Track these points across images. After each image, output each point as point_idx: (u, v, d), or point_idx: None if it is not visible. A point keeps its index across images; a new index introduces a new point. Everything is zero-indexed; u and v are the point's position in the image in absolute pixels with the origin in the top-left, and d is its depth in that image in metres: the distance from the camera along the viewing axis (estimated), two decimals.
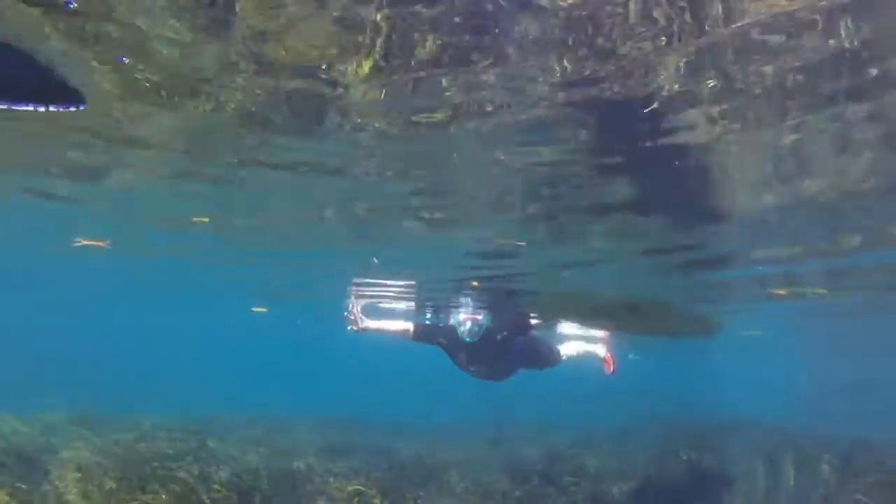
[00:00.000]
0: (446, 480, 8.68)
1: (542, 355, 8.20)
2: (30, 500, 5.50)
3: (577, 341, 8.45)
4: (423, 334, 7.78)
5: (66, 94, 2.38)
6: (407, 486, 8.04)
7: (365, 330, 7.40)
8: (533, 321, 11.60)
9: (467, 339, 7.39)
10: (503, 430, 14.30)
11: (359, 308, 7.54)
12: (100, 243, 10.96)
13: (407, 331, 7.56)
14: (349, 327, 7.39)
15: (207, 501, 6.19)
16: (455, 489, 8.16)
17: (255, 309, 19.27)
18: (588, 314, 10.88)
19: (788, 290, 8.95)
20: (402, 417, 15.93)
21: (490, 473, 9.07)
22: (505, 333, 8.21)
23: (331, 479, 7.91)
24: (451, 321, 7.91)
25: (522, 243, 7.21)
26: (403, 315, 12.71)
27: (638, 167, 4.39)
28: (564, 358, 8.47)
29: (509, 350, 7.88)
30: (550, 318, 11.69)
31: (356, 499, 6.82)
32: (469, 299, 10.62)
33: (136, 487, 6.37)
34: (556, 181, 4.81)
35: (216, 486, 6.48)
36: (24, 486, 6.03)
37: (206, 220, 7.72)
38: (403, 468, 9.14)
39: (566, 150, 4.15)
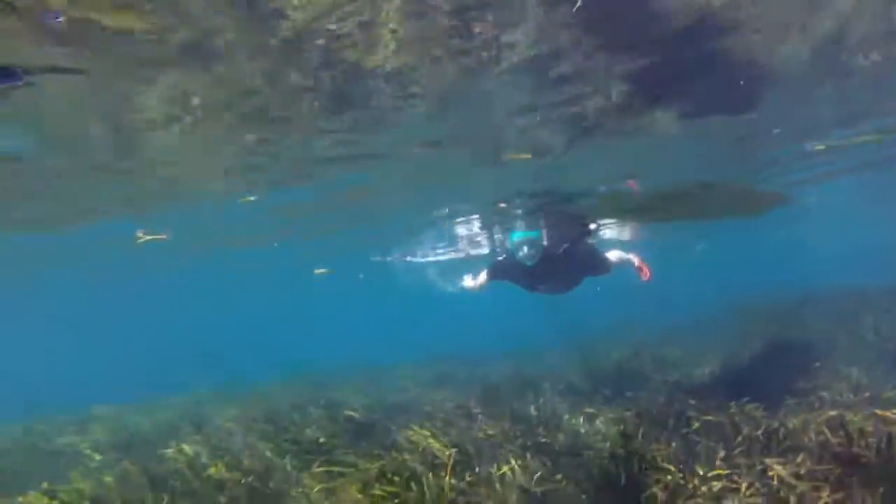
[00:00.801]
0: (540, 388, 9.66)
1: (601, 261, 8.12)
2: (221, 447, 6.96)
3: (614, 250, 8.38)
4: (491, 277, 8.05)
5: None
6: (502, 398, 8.99)
7: (465, 287, 8.08)
8: (590, 226, 11.37)
9: (528, 263, 7.38)
10: (585, 340, 15.06)
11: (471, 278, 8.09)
12: (160, 237, 12.29)
13: (484, 282, 7.97)
14: (462, 285, 8.08)
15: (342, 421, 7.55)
16: (546, 393, 9.04)
17: (317, 271, 20.16)
18: (647, 207, 10.79)
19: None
20: (488, 347, 17.00)
21: (576, 377, 9.88)
22: (565, 245, 8.23)
23: (436, 401, 9.07)
24: (507, 244, 8.20)
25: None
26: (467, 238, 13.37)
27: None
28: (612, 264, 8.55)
29: (571, 261, 7.92)
30: (606, 218, 11.69)
31: (459, 411, 7.83)
32: (522, 217, 10.66)
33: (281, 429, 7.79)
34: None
35: (349, 412, 7.83)
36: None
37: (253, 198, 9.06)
38: (498, 387, 10.22)
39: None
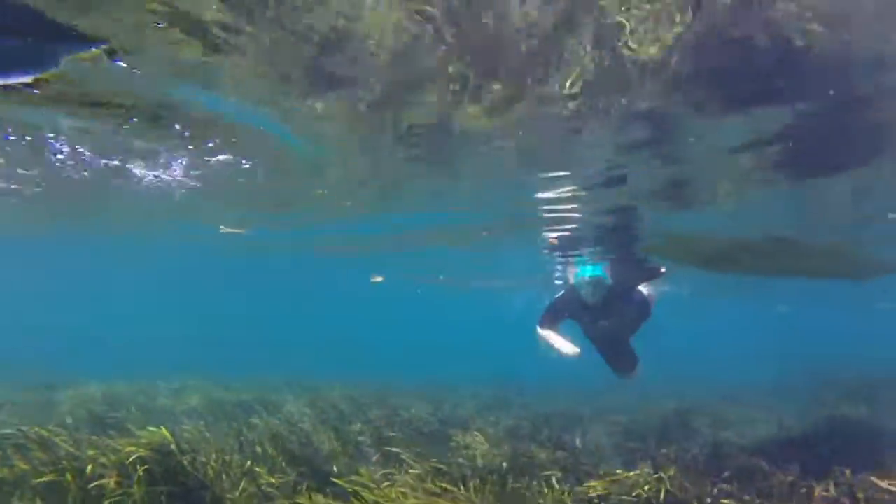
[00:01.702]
0: (592, 427, 9.96)
1: (648, 308, 8.15)
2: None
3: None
4: (553, 320, 7.71)
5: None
6: (558, 430, 9.39)
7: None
8: (660, 269, 11.17)
9: (590, 300, 7.48)
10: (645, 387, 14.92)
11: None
12: (240, 230, 13.76)
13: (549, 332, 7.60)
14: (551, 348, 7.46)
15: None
16: (598, 433, 9.33)
17: (374, 279, 20.75)
18: (723, 257, 10.72)
19: None
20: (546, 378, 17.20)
21: (626, 419, 10.06)
22: (628, 285, 8.37)
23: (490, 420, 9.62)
24: (573, 281, 8.06)
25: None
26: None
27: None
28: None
29: (629, 304, 7.95)
30: (677, 262, 11.59)
31: (511, 431, 8.35)
32: (589, 252, 10.87)
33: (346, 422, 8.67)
34: None
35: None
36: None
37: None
38: (549, 417, 10.63)
39: None
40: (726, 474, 4.98)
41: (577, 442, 7.84)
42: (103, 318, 47.47)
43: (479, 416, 10.92)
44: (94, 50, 4.21)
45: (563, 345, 7.22)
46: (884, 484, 3.89)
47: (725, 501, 4.09)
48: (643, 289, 8.52)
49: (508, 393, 14.45)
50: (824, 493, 4.03)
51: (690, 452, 6.94)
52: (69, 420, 8.30)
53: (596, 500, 4.63)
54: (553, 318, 7.63)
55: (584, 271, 7.67)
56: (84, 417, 8.72)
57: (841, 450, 5.92)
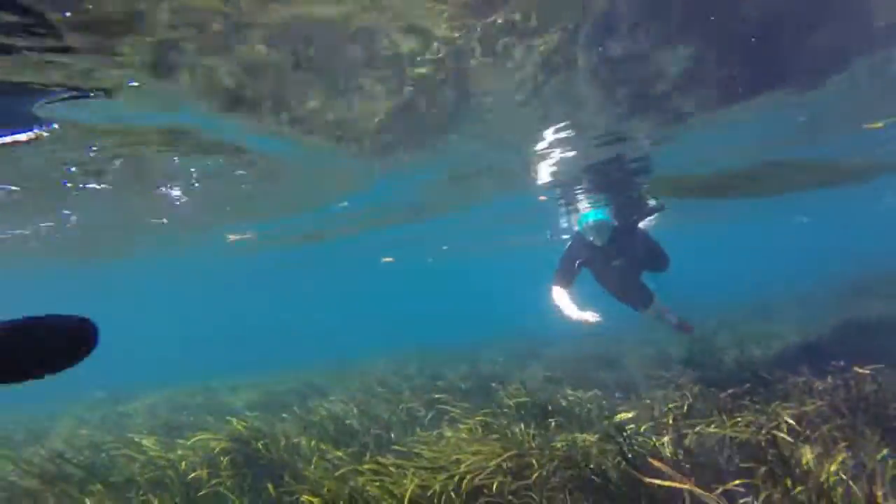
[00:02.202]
0: (621, 363, 10.58)
1: (663, 255, 8.10)
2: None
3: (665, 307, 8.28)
4: (569, 272, 7.64)
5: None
6: (590, 371, 10.02)
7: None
8: (655, 206, 11.38)
9: (598, 244, 7.60)
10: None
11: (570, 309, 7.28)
12: (247, 236, 14.36)
13: (563, 291, 7.47)
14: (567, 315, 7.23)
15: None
16: (629, 368, 9.94)
17: (385, 259, 21.20)
18: (714, 186, 11.00)
19: None
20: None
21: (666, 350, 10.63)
22: (634, 218, 8.59)
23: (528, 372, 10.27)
24: (576, 228, 8.15)
25: None
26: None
27: None
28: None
29: (637, 243, 8.00)
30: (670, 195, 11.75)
31: (549, 384, 8.98)
32: (589, 193, 10.85)
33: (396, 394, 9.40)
34: None
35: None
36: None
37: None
38: (583, 360, 11.27)
39: None
40: (746, 386, 5.52)
41: (610, 379, 8.42)
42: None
43: (517, 368, 11.62)
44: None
45: (572, 309, 7.09)
46: (865, 371, 4.42)
47: (743, 405, 4.63)
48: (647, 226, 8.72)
49: (537, 345, 15.10)
50: (822, 386, 4.60)
51: (714, 371, 7.47)
52: (148, 426, 9.16)
53: (628, 426, 5.21)
54: (565, 271, 7.58)
55: (586, 216, 7.77)
56: (162, 423, 9.58)
57: (851, 350, 6.40)
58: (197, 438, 6.75)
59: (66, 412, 12.42)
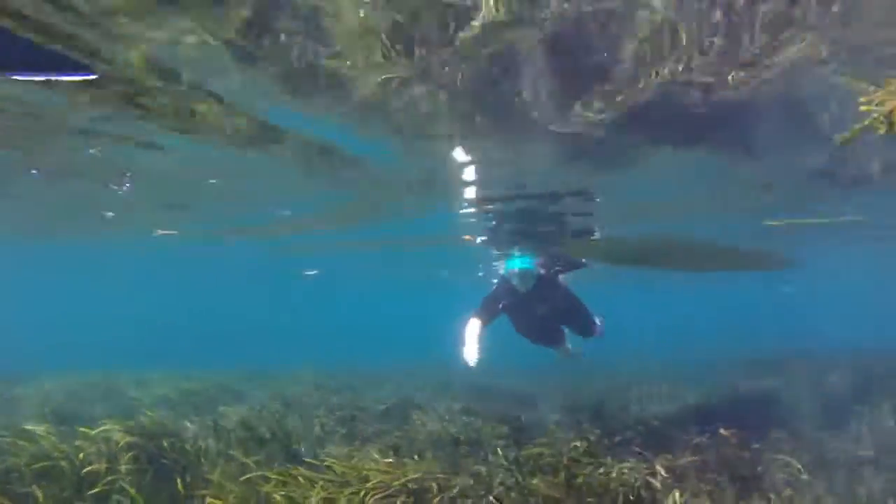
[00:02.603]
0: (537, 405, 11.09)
1: (585, 314, 8.46)
2: None
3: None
4: (489, 311, 7.78)
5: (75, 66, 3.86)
6: (498, 406, 10.42)
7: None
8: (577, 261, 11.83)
9: (522, 290, 7.88)
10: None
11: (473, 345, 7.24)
12: (172, 232, 14.21)
13: (479, 324, 7.46)
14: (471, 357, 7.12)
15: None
16: (542, 410, 10.45)
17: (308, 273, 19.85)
18: (643, 258, 11.98)
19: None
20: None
21: (563, 399, 11.21)
22: (556, 269, 9.07)
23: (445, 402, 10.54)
24: (502, 271, 8.80)
25: None
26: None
27: None
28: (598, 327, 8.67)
29: (559, 298, 8.29)
30: (600, 262, 12.70)
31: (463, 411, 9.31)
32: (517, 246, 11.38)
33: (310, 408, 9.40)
34: None
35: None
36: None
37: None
38: (495, 396, 11.71)
39: None
40: (636, 436, 6.08)
41: (522, 418, 8.84)
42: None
43: (434, 396, 11.87)
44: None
45: (472, 346, 7.10)
46: (728, 433, 5.10)
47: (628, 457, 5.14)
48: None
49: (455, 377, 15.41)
50: (697, 441, 5.25)
51: (615, 421, 8.06)
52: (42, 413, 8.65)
53: (532, 460, 5.60)
54: (487, 309, 7.75)
55: (512, 263, 8.21)
56: (56, 411, 9.06)
57: (733, 414, 7.17)
58: (101, 430, 6.53)
59: None
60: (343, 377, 14.16)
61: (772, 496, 4.45)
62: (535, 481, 4.97)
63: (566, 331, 8.77)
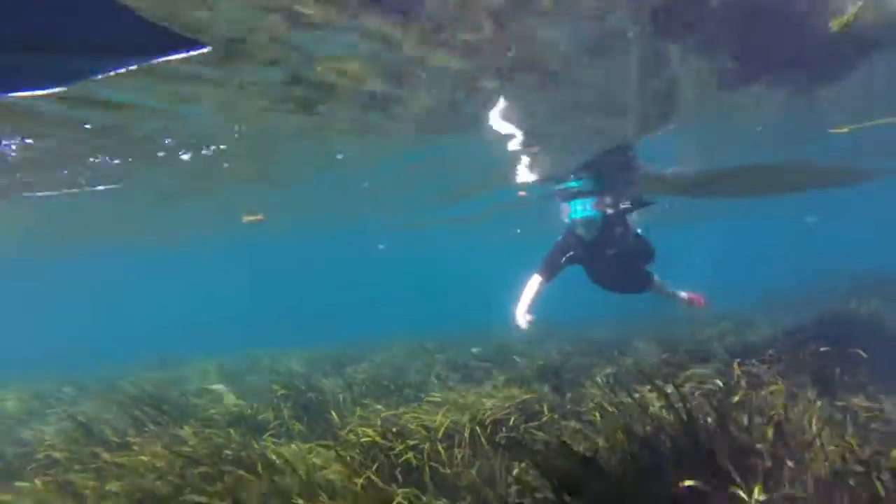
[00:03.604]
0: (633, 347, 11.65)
1: (648, 248, 8.03)
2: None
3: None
4: (554, 264, 7.51)
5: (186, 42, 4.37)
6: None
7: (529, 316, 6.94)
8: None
9: (587, 238, 7.60)
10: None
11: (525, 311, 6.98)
12: (260, 217, 15.42)
13: (540, 281, 7.25)
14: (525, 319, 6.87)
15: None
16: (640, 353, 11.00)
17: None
18: (708, 185, 11.71)
19: None
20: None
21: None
22: (623, 208, 8.62)
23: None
24: (566, 220, 8.15)
25: None
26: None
27: None
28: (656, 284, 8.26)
29: (625, 240, 7.93)
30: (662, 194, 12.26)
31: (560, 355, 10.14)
32: (582, 182, 10.74)
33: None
34: None
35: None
36: None
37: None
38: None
39: None
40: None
41: (615, 352, 9.53)
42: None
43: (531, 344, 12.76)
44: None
45: (524, 305, 6.86)
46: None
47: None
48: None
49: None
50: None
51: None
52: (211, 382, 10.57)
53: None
54: (551, 262, 7.48)
55: (575, 213, 7.80)
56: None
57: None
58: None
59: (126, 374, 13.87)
60: (439, 339, 15.24)
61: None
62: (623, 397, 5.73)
63: (657, 277, 8.26)
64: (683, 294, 8.14)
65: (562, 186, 11.10)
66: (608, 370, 7.50)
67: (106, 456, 5.83)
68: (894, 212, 27.59)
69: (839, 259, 25.34)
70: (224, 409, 7.73)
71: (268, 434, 6.84)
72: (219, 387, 8.51)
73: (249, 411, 7.80)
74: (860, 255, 27.49)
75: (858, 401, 5.04)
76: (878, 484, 3.11)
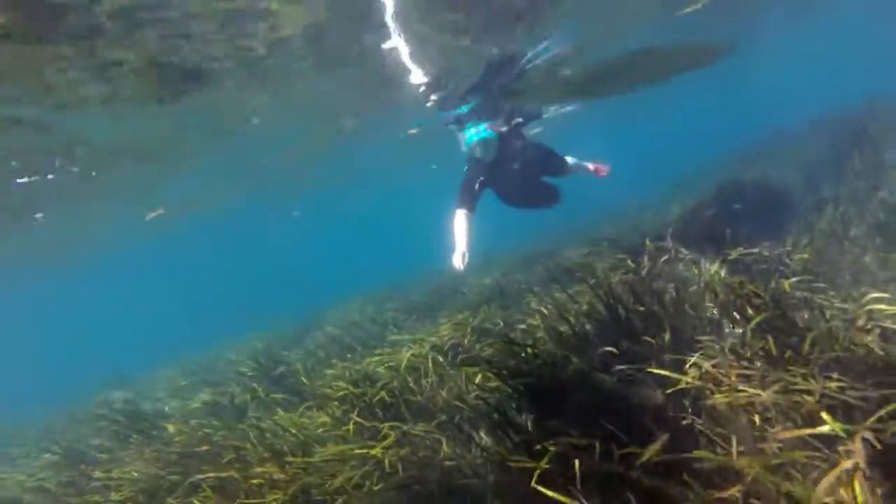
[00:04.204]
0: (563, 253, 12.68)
1: (557, 159, 8.07)
2: None
3: (567, 157, 8.26)
4: (469, 194, 7.23)
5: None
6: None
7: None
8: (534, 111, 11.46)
9: (488, 159, 7.50)
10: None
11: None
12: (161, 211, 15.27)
13: (465, 214, 6.96)
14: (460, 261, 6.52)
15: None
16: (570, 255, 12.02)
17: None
18: (589, 84, 12.14)
19: None
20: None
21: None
22: (516, 123, 8.67)
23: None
24: (464, 148, 7.93)
25: None
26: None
27: None
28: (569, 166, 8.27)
29: (528, 152, 7.85)
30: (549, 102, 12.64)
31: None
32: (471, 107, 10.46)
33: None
34: None
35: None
36: None
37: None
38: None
39: None
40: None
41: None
42: None
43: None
44: None
45: (460, 245, 6.61)
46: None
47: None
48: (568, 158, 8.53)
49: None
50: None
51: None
52: None
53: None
54: (467, 191, 7.24)
55: (469, 138, 7.67)
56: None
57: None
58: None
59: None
60: (387, 290, 15.70)
61: None
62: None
63: (563, 159, 8.22)
64: (590, 165, 8.27)
65: (454, 113, 10.73)
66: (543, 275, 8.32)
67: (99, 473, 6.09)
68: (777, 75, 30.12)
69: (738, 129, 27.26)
70: (200, 400, 8.02)
71: (250, 414, 7.27)
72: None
73: (223, 399, 8.13)
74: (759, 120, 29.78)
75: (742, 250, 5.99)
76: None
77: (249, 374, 8.61)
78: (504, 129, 8.45)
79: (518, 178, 7.70)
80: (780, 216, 8.23)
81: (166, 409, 9.08)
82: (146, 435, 7.48)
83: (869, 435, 2.43)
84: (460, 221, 6.87)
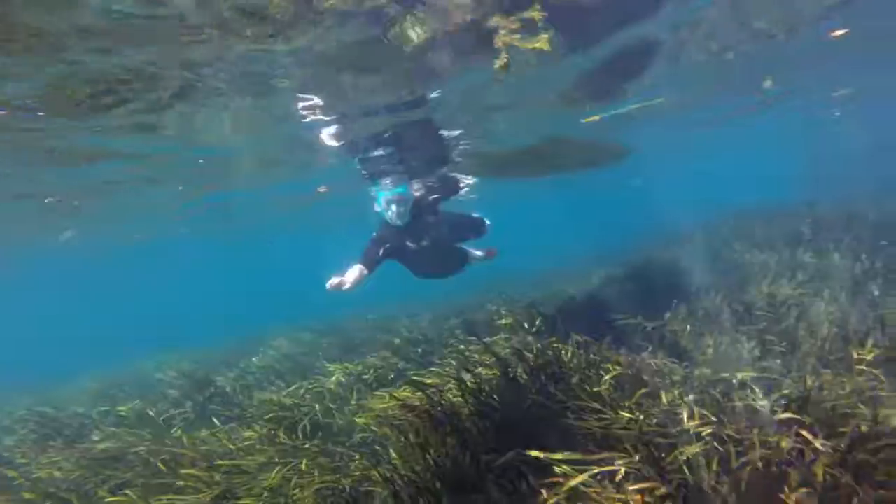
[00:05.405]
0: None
1: (472, 221, 8.23)
2: None
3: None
4: (372, 256, 6.83)
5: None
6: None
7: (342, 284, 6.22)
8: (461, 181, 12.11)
9: (399, 223, 7.23)
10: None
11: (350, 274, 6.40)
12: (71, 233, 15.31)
13: (360, 269, 6.50)
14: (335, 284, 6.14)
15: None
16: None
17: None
18: (506, 165, 13.12)
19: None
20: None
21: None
22: (435, 196, 8.67)
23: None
24: (377, 208, 7.67)
25: None
26: None
27: None
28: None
29: (443, 220, 7.76)
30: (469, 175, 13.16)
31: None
32: (389, 170, 9.91)
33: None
34: None
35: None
36: None
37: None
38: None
39: None
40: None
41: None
42: None
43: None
44: None
45: (350, 277, 6.27)
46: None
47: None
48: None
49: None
50: None
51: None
52: None
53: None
54: (370, 255, 6.86)
55: (382, 194, 7.39)
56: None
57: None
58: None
59: None
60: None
61: None
62: None
63: (464, 247, 8.18)
64: (481, 252, 8.09)
65: (368, 157, 9.83)
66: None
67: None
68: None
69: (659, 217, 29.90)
70: (127, 409, 8.41)
71: (177, 428, 7.75)
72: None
73: (151, 412, 8.50)
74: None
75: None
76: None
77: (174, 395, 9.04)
78: (419, 193, 8.59)
79: (431, 250, 7.49)
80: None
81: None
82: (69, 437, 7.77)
83: None
84: (353, 271, 6.47)
